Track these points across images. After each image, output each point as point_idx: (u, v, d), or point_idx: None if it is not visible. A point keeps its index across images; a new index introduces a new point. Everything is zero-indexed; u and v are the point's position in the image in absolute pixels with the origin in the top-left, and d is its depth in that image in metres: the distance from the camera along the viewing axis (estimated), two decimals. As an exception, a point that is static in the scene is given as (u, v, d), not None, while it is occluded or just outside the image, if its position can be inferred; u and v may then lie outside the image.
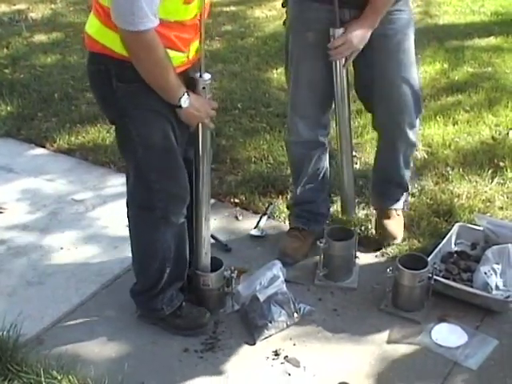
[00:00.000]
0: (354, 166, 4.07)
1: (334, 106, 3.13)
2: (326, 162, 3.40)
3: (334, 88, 2.99)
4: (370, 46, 2.91)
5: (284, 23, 3.17)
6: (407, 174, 3.45)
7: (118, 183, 4.01)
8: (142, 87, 2.44)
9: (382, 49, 2.97)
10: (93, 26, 2.49)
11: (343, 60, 2.91)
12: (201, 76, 2.57)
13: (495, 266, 3.01)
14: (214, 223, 3.56)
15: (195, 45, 2.57)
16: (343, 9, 2.83)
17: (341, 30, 2.83)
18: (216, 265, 2.98)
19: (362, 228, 3.52)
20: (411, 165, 3.50)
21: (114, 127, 2.71)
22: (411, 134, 3.23)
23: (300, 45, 3.04)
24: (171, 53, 2.42)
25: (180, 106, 2.50)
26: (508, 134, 4.49)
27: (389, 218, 3.44)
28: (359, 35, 2.84)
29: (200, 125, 2.64)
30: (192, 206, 2.84)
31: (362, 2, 2.83)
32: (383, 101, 3.14)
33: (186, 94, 2.48)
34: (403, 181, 3.46)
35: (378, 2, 2.83)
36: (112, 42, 2.40)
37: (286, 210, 3.64)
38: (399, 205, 3.50)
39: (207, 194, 2.83)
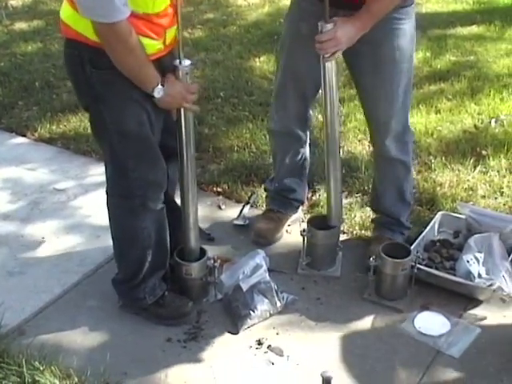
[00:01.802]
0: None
1: (321, 102, 2.99)
2: (305, 155, 3.39)
3: (322, 85, 2.88)
4: (358, 51, 2.83)
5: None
6: (401, 209, 3.28)
7: (99, 172, 3.95)
8: (116, 74, 2.41)
9: (369, 56, 2.87)
10: (66, 12, 2.46)
11: (327, 55, 2.76)
12: (180, 63, 2.55)
13: (478, 255, 3.02)
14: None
15: (172, 31, 2.54)
16: (339, 9, 2.73)
17: (330, 26, 2.69)
18: (199, 254, 2.97)
19: (345, 216, 3.51)
20: (408, 199, 3.30)
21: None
22: (394, 150, 3.10)
23: (292, 34, 3.02)
24: (145, 40, 2.40)
25: (153, 96, 2.48)
26: (490, 122, 4.50)
27: (380, 243, 3.10)
28: (347, 34, 2.70)
29: (182, 109, 2.62)
30: (168, 192, 2.84)
31: (359, 7, 2.70)
32: (364, 102, 3.12)
33: (159, 84, 2.46)
34: (395, 215, 3.28)
35: (373, 6, 2.69)
36: (85, 29, 2.37)
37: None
38: (396, 237, 3.28)
39: (193, 181, 2.81)
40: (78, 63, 2.46)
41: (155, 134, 2.64)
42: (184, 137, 2.69)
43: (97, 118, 2.61)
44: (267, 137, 4.24)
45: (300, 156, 3.34)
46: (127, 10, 2.26)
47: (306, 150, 3.36)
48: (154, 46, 2.46)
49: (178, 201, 2.99)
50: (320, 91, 2.97)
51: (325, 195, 3.63)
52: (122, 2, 2.23)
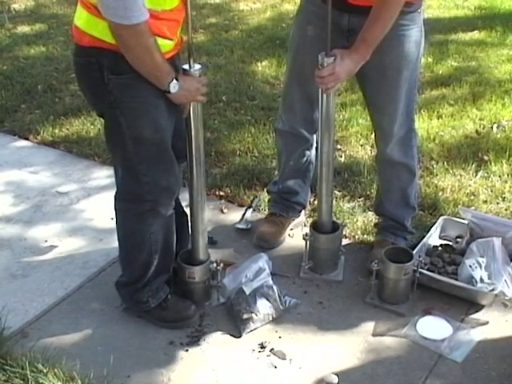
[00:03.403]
0: (339, 159, 4.11)
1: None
2: (310, 158, 3.40)
3: (319, 112, 2.92)
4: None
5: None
6: (406, 213, 3.30)
7: (102, 175, 3.99)
8: (133, 78, 2.42)
9: (374, 63, 2.83)
10: (81, 18, 2.45)
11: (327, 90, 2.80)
12: (191, 66, 2.57)
13: (480, 259, 3.02)
14: (200, 216, 3.57)
15: (179, 30, 2.56)
16: (344, 13, 2.76)
17: (330, 60, 2.70)
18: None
19: (348, 221, 3.52)
20: (412, 203, 3.31)
21: (98, 119, 2.70)
22: (398, 154, 3.12)
23: (299, 36, 3.03)
24: (160, 40, 2.40)
25: (169, 92, 2.48)
26: (492, 127, 4.52)
27: (383, 247, 3.10)
28: (347, 69, 2.73)
29: (191, 106, 2.62)
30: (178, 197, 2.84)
31: (364, 9, 2.71)
32: (369, 107, 3.15)
33: (174, 79, 2.46)
34: (400, 219, 3.30)
35: (368, 35, 2.71)
36: (102, 33, 2.36)
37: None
38: (399, 241, 3.29)
39: (202, 184, 2.81)
40: (96, 70, 2.44)
41: (169, 138, 2.65)
42: (194, 144, 2.70)
43: (113, 124, 2.59)
44: (269, 141, 4.26)
45: (305, 158, 3.35)
46: (147, 12, 2.27)
47: (312, 153, 3.37)
48: (167, 45, 2.46)
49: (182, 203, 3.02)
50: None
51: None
52: (143, 3, 2.24)
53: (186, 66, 2.57)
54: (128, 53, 2.36)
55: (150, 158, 2.61)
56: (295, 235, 3.47)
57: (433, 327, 2.88)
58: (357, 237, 3.46)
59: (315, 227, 3.17)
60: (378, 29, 2.71)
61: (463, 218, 3.36)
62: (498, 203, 3.72)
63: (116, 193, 2.77)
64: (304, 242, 3.18)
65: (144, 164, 2.61)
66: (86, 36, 2.43)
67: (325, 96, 2.86)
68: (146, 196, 2.66)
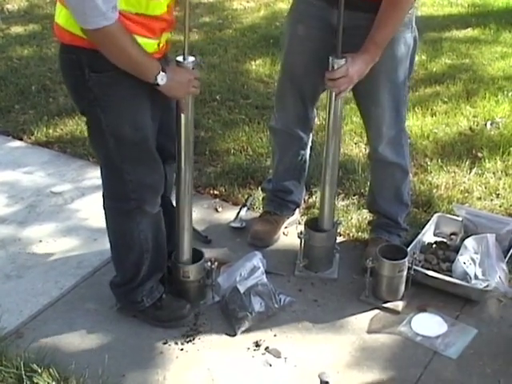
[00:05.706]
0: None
1: (322, 113, 3.04)
2: (305, 157, 3.40)
3: (326, 115, 2.92)
4: None
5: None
6: (399, 210, 3.30)
7: (96, 175, 3.93)
8: (114, 76, 2.41)
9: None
10: (62, 16, 2.43)
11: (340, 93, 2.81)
12: (184, 59, 2.56)
13: (474, 256, 3.03)
14: (194, 215, 3.54)
15: (166, 36, 2.55)
16: (333, 9, 2.70)
17: (342, 61, 2.69)
18: (196, 256, 2.97)
19: (342, 219, 3.52)
20: (406, 200, 3.33)
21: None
22: (390, 154, 3.12)
23: (290, 35, 3.03)
24: (140, 39, 2.38)
25: (158, 84, 2.46)
26: (486, 125, 4.52)
27: (377, 245, 3.11)
28: (360, 71, 2.73)
29: (182, 103, 2.61)
30: (165, 195, 2.84)
31: (360, 4, 2.71)
32: (363, 111, 3.14)
33: (161, 71, 2.43)
34: (393, 216, 3.30)
35: (377, 36, 2.71)
36: (80, 30, 2.34)
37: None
38: (393, 238, 3.29)
39: (189, 184, 2.80)
40: (77, 67, 2.44)
41: (152, 137, 2.64)
42: (183, 138, 2.68)
43: (93, 122, 2.59)
44: (264, 139, 4.26)
45: (300, 157, 3.35)
46: (114, 16, 2.23)
47: (307, 152, 3.37)
48: (150, 45, 2.44)
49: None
50: (320, 94, 3.00)
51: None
52: (108, 7, 2.20)
53: (179, 58, 2.56)
54: (104, 52, 2.34)
55: (133, 156, 2.60)
56: (290, 233, 3.47)
57: (427, 324, 2.88)
58: (351, 235, 3.46)
59: (310, 225, 3.17)
60: (387, 30, 2.72)
61: (457, 215, 3.37)
62: (492, 200, 3.73)
63: (103, 192, 2.77)
64: (299, 240, 3.18)
65: (127, 163, 2.60)
66: (66, 33, 2.42)
67: (333, 97, 2.84)
68: (130, 195, 2.65)
